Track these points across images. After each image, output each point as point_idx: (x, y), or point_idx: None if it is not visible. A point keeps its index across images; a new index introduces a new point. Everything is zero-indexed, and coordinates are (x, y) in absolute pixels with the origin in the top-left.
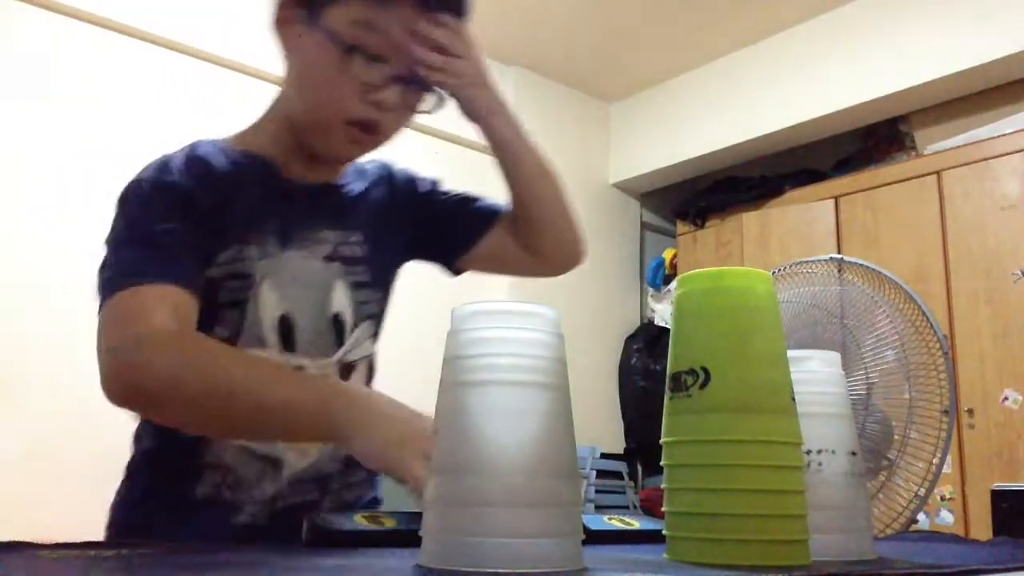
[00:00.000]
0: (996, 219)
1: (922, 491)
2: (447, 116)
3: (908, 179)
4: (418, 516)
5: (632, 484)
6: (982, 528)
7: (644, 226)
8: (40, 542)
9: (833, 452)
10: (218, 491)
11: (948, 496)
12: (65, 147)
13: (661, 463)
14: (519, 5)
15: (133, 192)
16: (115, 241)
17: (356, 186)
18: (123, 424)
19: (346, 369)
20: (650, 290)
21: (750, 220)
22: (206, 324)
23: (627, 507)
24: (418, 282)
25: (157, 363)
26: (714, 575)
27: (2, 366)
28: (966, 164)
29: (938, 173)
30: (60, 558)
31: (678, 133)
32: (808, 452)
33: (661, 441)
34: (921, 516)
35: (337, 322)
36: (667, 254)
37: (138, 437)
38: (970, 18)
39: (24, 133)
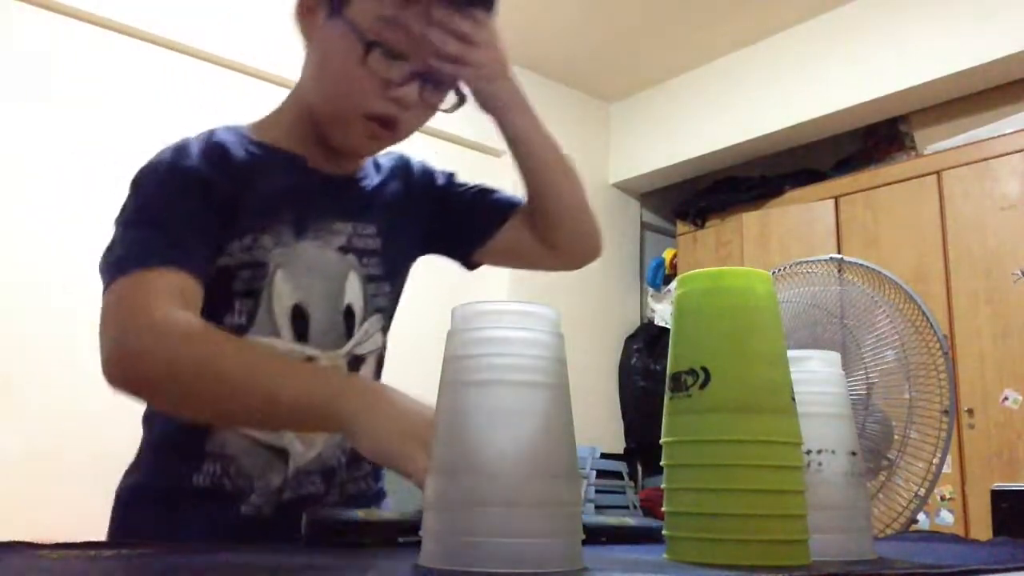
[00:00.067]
0: (996, 219)
1: (922, 491)
2: (447, 116)
3: (908, 179)
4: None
5: (632, 484)
6: (982, 528)
7: (644, 226)
8: (40, 542)
9: (833, 452)
10: (217, 482)
11: (948, 496)
12: (65, 147)
13: (661, 463)
14: (519, 5)
15: (148, 174)
16: (125, 222)
17: (372, 179)
18: (123, 424)
19: (355, 361)
20: (650, 290)
21: (750, 220)
22: (219, 313)
23: (627, 507)
24: (419, 282)
25: (158, 351)
26: (714, 575)
27: (2, 366)
28: (966, 164)
29: (938, 173)
30: (60, 558)
31: (678, 133)
32: (808, 452)
33: (661, 441)
34: (921, 516)
35: (349, 314)
36: (667, 254)
37: (147, 421)
38: (970, 18)
39: (24, 133)
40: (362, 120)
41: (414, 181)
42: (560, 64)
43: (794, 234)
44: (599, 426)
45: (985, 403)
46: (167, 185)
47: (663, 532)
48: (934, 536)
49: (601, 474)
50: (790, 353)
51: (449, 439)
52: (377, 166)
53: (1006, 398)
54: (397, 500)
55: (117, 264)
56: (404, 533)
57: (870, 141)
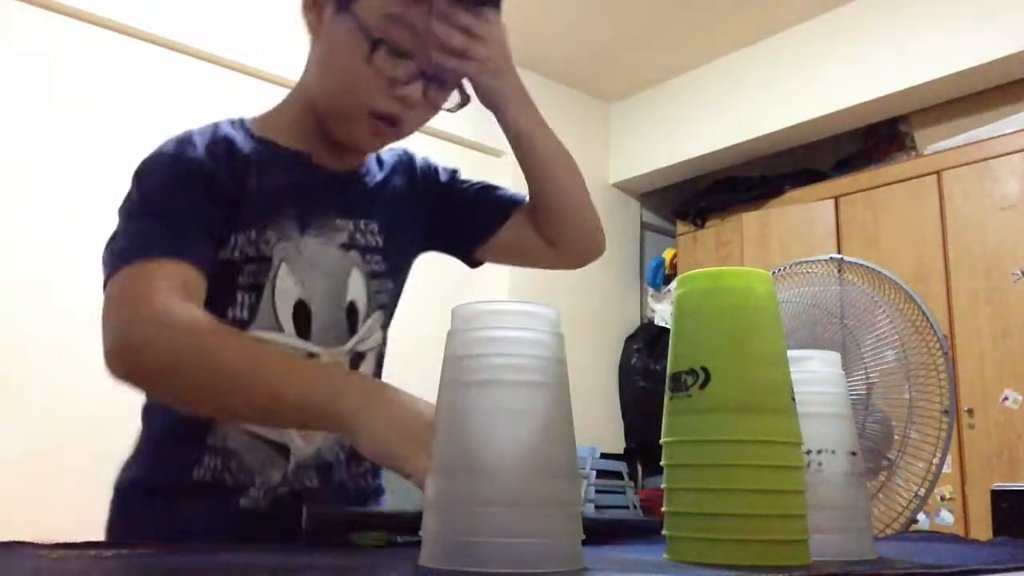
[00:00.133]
0: (996, 219)
1: (922, 491)
2: (448, 116)
3: (908, 179)
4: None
5: (632, 484)
6: (982, 528)
7: (644, 226)
8: (40, 542)
9: (833, 452)
10: (218, 476)
11: (948, 496)
12: (65, 147)
13: (661, 463)
14: (519, 5)
15: (151, 165)
16: (128, 213)
17: (375, 175)
18: (123, 424)
19: (357, 358)
20: (650, 290)
21: (750, 220)
22: (221, 306)
23: (627, 507)
24: (419, 281)
25: (160, 343)
26: (714, 575)
27: (2, 366)
28: (966, 164)
29: (938, 173)
30: (60, 558)
31: (678, 133)
32: (808, 452)
33: (661, 441)
34: (921, 516)
35: (351, 311)
36: (667, 254)
37: (147, 414)
38: (970, 18)
39: (24, 133)
40: (367, 117)
41: (417, 177)
42: (560, 64)
43: (794, 234)
44: (599, 426)
45: (985, 403)
46: (170, 177)
47: (663, 532)
48: (934, 536)
49: (601, 474)
50: (790, 353)
51: (449, 439)
52: (380, 161)
53: (1006, 398)
54: (395, 497)
55: (120, 255)
56: (404, 529)
57: (870, 141)
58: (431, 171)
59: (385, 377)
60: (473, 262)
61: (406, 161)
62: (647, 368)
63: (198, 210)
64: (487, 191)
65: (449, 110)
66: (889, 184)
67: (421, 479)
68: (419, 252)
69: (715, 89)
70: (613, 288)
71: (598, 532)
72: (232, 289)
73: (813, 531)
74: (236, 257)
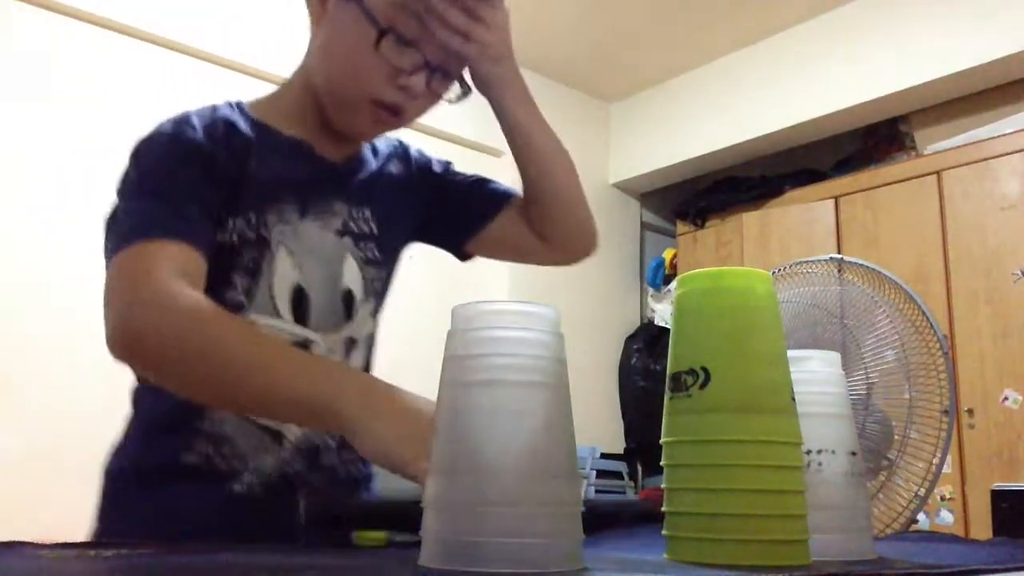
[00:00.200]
0: (996, 219)
1: (922, 491)
2: (448, 116)
3: (908, 179)
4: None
5: (632, 484)
6: (982, 528)
7: (644, 226)
8: (40, 542)
9: (833, 452)
10: (209, 461)
11: (948, 496)
12: (65, 147)
13: (661, 463)
14: (519, 5)
15: (149, 144)
16: (128, 193)
17: (370, 164)
18: (123, 423)
19: (350, 344)
20: (650, 290)
21: (750, 220)
22: (218, 290)
23: None
24: (419, 281)
25: (164, 328)
26: (714, 575)
27: (2, 366)
28: (966, 164)
29: (938, 173)
30: (60, 558)
31: (678, 133)
32: (808, 452)
33: (661, 441)
34: (921, 516)
35: (347, 297)
36: (667, 254)
37: (137, 398)
38: (970, 18)
39: (24, 133)
40: (369, 105)
41: (412, 167)
42: (560, 64)
43: (794, 234)
44: (599, 426)
45: (985, 403)
46: (169, 156)
47: (663, 532)
48: (934, 536)
49: (601, 474)
50: (790, 353)
51: (449, 439)
52: (374, 151)
53: (1006, 398)
54: (384, 485)
55: (119, 235)
56: (402, 519)
57: (870, 141)
58: (425, 161)
59: (385, 377)
60: (463, 255)
61: (400, 151)
62: (647, 368)
63: (197, 190)
64: (480, 184)
65: (450, 101)
66: (889, 184)
67: (424, 480)
68: (410, 242)
69: (715, 89)
70: (613, 288)
71: (599, 516)
72: (228, 272)
73: (813, 531)
74: (234, 240)
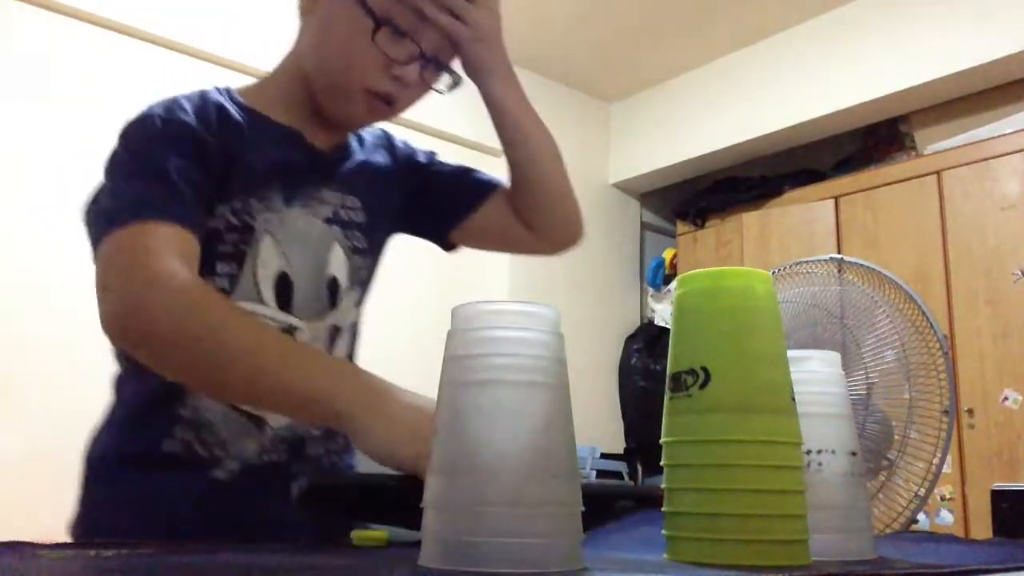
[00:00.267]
0: (996, 219)
1: (922, 491)
2: (448, 116)
3: (908, 179)
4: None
5: (632, 484)
6: (982, 528)
7: (644, 226)
8: (40, 542)
9: (833, 452)
10: (190, 448)
11: (948, 496)
12: (65, 147)
13: (661, 463)
14: (519, 5)
15: (140, 126)
16: (118, 173)
17: (357, 153)
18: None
19: (335, 332)
20: (650, 290)
21: (750, 220)
22: (202, 274)
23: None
24: (419, 281)
25: (165, 312)
26: (714, 575)
27: (2, 366)
28: (966, 164)
29: (938, 173)
30: (60, 558)
31: (678, 133)
32: (808, 452)
33: (661, 441)
34: (921, 516)
35: (332, 285)
36: (667, 254)
37: (118, 385)
38: (970, 18)
39: (24, 133)
40: (362, 94)
41: (397, 157)
42: (560, 64)
43: (794, 234)
44: (599, 426)
45: (985, 403)
46: (160, 137)
47: (663, 532)
48: (934, 536)
49: (601, 474)
50: (790, 353)
51: (449, 439)
52: (360, 140)
53: (1006, 398)
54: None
55: (109, 216)
56: (395, 500)
57: (870, 141)
58: (410, 152)
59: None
60: (448, 245)
61: (385, 141)
62: (647, 368)
63: (189, 173)
64: (465, 173)
65: (440, 91)
66: (889, 184)
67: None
68: (395, 233)
69: (715, 89)
70: (613, 288)
71: (598, 499)
72: (212, 258)
73: (813, 531)
74: (219, 226)
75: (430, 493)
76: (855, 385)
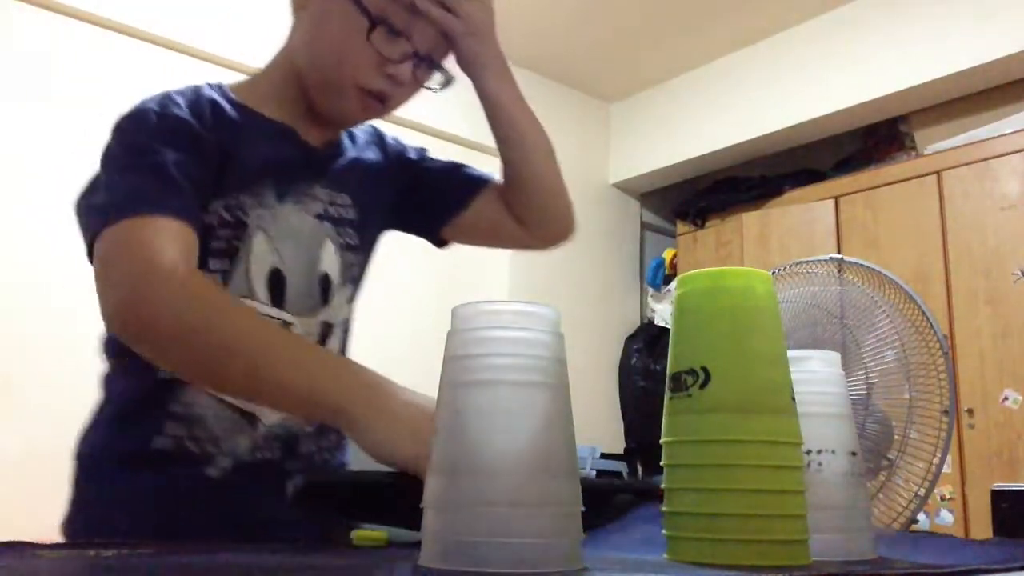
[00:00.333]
0: (996, 219)
1: (922, 491)
2: (447, 116)
3: (908, 179)
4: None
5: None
6: (982, 528)
7: (644, 226)
8: (40, 542)
9: (833, 452)
10: (181, 444)
11: (948, 496)
12: (65, 147)
13: (661, 463)
14: (519, 5)
15: (135, 119)
16: (112, 167)
17: (349, 150)
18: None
19: (327, 329)
20: (650, 290)
21: (750, 220)
22: None
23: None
24: (419, 281)
25: (166, 302)
26: (714, 575)
27: (2, 366)
28: (966, 164)
29: (938, 173)
30: (60, 558)
31: (678, 133)
32: (808, 452)
33: (661, 441)
34: (921, 516)
35: (324, 281)
36: (667, 254)
37: (106, 382)
38: (970, 18)
39: (24, 133)
40: (356, 92)
41: (388, 154)
42: (560, 64)
43: (794, 234)
44: (599, 426)
45: (985, 403)
46: (156, 131)
47: (663, 532)
48: (934, 536)
49: (601, 474)
50: (790, 353)
51: (449, 439)
52: (351, 137)
53: (1006, 398)
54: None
55: (107, 210)
56: (391, 498)
57: (870, 141)
58: (400, 149)
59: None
60: (440, 241)
61: (376, 138)
62: (647, 368)
63: (186, 167)
64: (456, 169)
65: (432, 89)
66: (889, 184)
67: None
68: (386, 229)
69: (715, 89)
70: (613, 288)
71: (598, 494)
72: (204, 254)
73: (813, 531)
74: (212, 222)
75: (430, 493)
76: (855, 385)
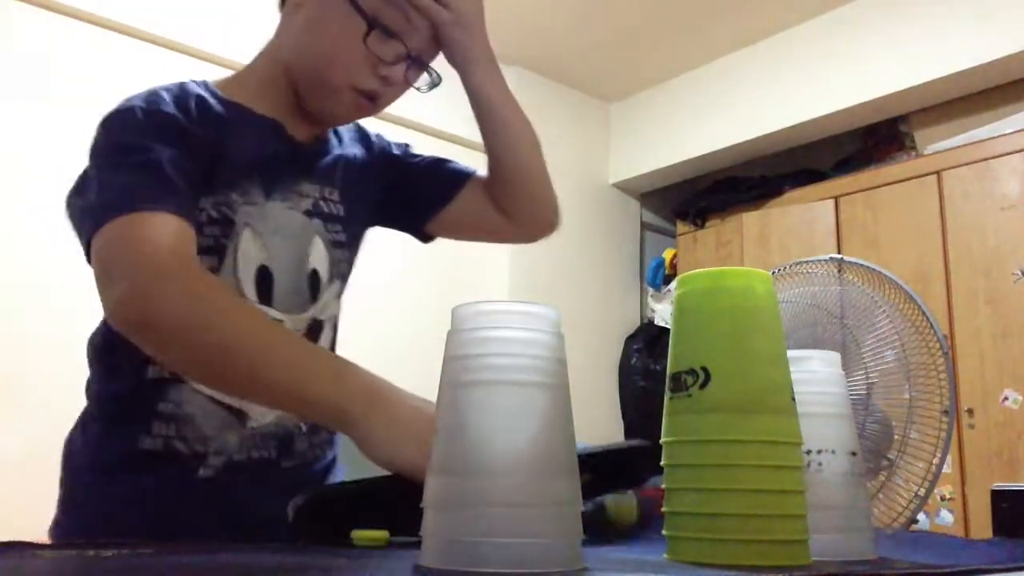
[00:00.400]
0: (996, 219)
1: (922, 491)
2: (446, 116)
3: (908, 179)
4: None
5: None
6: (982, 528)
7: (644, 226)
8: (40, 542)
9: (833, 452)
10: (170, 444)
11: (948, 496)
12: (65, 147)
13: (661, 463)
14: (519, 5)
15: (123, 117)
16: (105, 164)
17: (335, 146)
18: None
19: (316, 326)
20: (650, 290)
21: (750, 220)
22: None
23: None
24: (419, 281)
25: (169, 297)
26: (714, 575)
27: (2, 366)
28: (966, 164)
29: (938, 173)
30: (60, 558)
31: (678, 133)
32: (808, 452)
33: (661, 441)
34: (921, 516)
35: (313, 278)
36: (667, 254)
37: (90, 388)
38: (970, 18)
39: (24, 133)
40: (348, 91)
41: (373, 150)
42: (560, 64)
43: (794, 234)
44: (599, 426)
45: (985, 403)
46: (146, 128)
47: (663, 532)
48: (934, 536)
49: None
50: (790, 353)
51: (449, 439)
52: (337, 135)
53: (1006, 398)
54: (352, 469)
55: (103, 207)
56: (391, 505)
57: (870, 141)
58: (384, 145)
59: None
60: (425, 237)
61: (361, 135)
62: (647, 368)
63: (177, 162)
64: (439, 163)
65: (420, 90)
66: (889, 184)
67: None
68: (372, 225)
69: (715, 89)
70: (613, 288)
71: (594, 462)
72: None
73: (813, 531)
74: (200, 219)
75: (430, 493)
76: (855, 385)
